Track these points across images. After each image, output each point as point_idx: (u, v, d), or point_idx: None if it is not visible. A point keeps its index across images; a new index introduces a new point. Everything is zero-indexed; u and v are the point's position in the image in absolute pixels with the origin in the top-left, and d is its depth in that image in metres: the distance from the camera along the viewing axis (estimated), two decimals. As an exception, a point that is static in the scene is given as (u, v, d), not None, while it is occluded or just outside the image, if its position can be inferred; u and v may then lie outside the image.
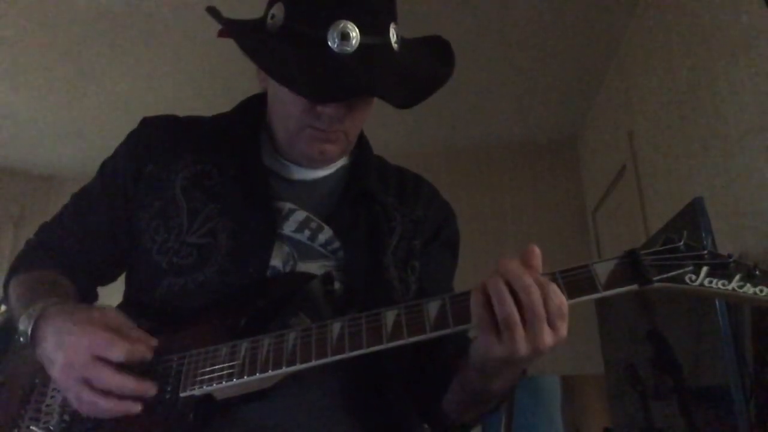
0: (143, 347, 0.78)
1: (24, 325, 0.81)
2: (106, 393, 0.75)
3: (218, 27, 0.94)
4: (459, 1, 2.76)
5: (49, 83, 3.39)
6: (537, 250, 0.71)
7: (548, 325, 0.67)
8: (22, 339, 0.82)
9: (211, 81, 3.37)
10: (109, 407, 0.75)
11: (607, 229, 3.71)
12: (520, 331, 0.66)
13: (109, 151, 1.05)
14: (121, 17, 2.82)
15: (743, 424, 1.36)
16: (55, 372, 0.77)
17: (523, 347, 0.67)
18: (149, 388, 0.77)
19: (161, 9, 2.77)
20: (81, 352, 0.75)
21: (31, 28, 2.89)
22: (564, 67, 3.33)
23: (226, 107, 1.09)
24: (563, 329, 0.68)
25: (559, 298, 0.67)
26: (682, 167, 2.45)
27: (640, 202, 2.96)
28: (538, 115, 3.91)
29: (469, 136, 4.19)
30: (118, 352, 0.75)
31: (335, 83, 0.83)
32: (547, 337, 0.67)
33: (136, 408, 0.76)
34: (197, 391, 0.78)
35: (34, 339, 0.80)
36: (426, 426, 0.99)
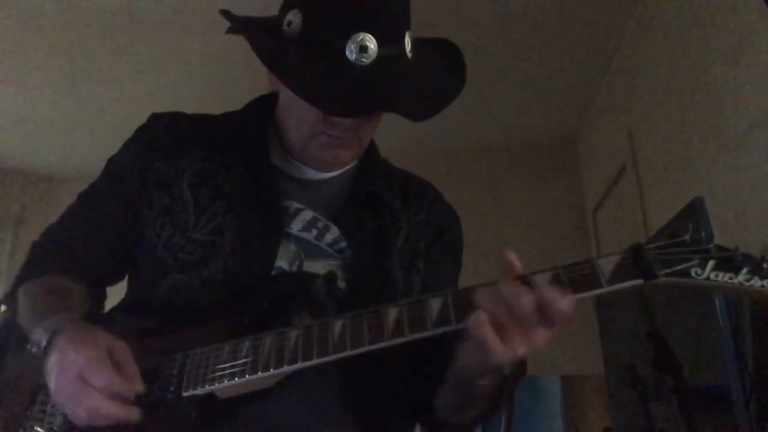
0: (129, 386, 0.76)
1: (38, 337, 0.82)
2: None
3: (224, 25, 0.93)
4: (459, 1, 2.76)
5: (49, 83, 3.39)
6: (507, 254, 0.70)
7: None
8: (34, 349, 0.82)
9: (212, 81, 3.37)
10: (104, 419, 0.75)
11: (607, 229, 3.71)
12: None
13: (109, 151, 1.04)
14: (121, 17, 2.83)
15: (743, 424, 1.36)
16: (51, 384, 0.78)
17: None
18: (131, 414, 0.75)
19: (161, 8, 2.77)
20: (72, 369, 0.75)
21: (30, 28, 2.89)
22: (564, 67, 3.33)
23: (226, 107, 1.09)
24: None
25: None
26: (682, 167, 2.46)
27: (640, 202, 2.96)
28: (538, 115, 3.91)
29: (469, 136, 4.19)
30: (101, 381, 0.74)
31: (352, 97, 0.83)
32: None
33: (134, 416, 0.76)
34: (199, 391, 0.78)
35: (45, 351, 0.81)
36: (420, 426, 0.99)
